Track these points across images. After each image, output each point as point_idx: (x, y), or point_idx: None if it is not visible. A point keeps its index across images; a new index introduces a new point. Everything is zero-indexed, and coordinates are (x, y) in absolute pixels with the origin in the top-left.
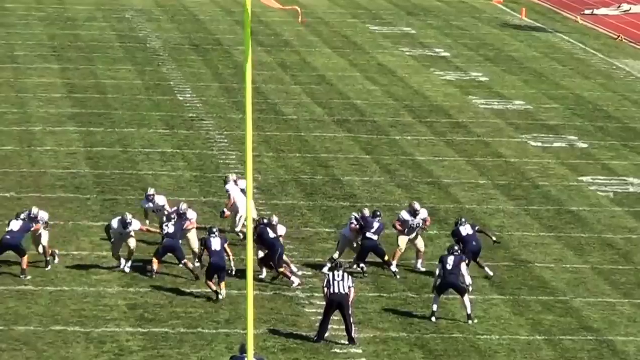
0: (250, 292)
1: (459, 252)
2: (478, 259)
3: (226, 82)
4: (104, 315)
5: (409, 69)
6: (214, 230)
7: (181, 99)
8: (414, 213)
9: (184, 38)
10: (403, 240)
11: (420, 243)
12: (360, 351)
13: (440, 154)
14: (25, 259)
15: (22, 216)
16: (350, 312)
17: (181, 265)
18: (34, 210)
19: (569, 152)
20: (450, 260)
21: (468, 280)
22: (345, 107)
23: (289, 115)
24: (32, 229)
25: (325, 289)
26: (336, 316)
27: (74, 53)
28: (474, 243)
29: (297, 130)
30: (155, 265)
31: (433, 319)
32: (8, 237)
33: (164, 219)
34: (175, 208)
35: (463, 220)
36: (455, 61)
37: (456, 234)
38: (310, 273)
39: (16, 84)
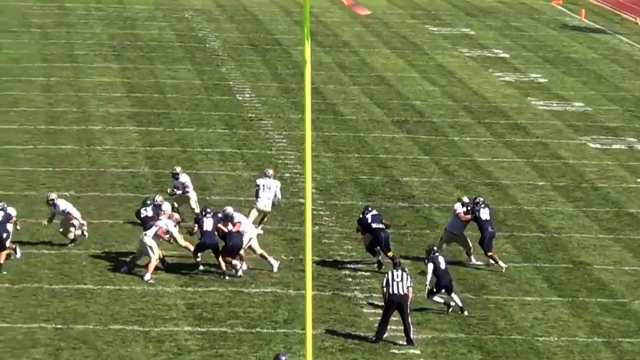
0: (309, 292)
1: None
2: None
3: (285, 82)
4: (162, 314)
5: (467, 69)
6: (208, 210)
7: (240, 98)
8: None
9: (243, 38)
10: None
11: (468, 239)
12: (418, 352)
13: (498, 155)
14: (4, 254)
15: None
16: (408, 313)
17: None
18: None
19: (628, 154)
20: (441, 260)
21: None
22: (404, 107)
23: (347, 115)
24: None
25: (385, 289)
26: (394, 316)
27: (133, 52)
28: (490, 228)
29: (356, 131)
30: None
31: (465, 312)
32: None
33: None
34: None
35: (481, 200)
36: (514, 62)
37: (476, 215)
38: (367, 273)
39: (76, 83)
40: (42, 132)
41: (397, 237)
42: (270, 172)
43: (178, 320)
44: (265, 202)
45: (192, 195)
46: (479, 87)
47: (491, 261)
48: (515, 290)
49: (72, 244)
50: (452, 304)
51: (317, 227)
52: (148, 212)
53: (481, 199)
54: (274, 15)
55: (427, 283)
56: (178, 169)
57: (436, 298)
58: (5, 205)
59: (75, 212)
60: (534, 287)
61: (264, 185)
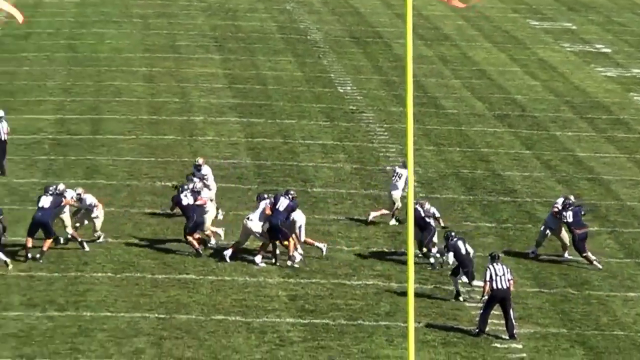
0: (411, 285)
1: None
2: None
3: (386, 75)
4: (264, 305)
5: (569, 64)
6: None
7: (341, 91)
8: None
9: (344, 30)
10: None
11: (565, 235)
12: (520, 346)
13: (600, 150)
14: (49, 242)
15: (51, 190)
16: (511, 307)
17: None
18: (61, 186)
19: None
20: (461, 244)
21: None
22: (506, 101)
23: (449, 109)
24: (62, 204)
25: (488, 283)
26: (496, 310)
27: (234, 44)
28: (578, 231)
29: (457, 124)
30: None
31: (461, 298)
32: (39, 213)
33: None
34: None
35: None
36: (616, 57)
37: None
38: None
39: (178, 74)
40: (144, 123)
41: (499, 231)
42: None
43: (280, 312)
44: (400, 192)
45: (213, 187)
46: (580, 82)
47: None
48: (617, 286)
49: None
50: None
51: None
52: (188, 199)
53: (570, 201)
54: (375, 8)
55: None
56: (200, 160)
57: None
58: (61, 189)
59: (99, 208)
60: (636, 283)
61: (401, 175)
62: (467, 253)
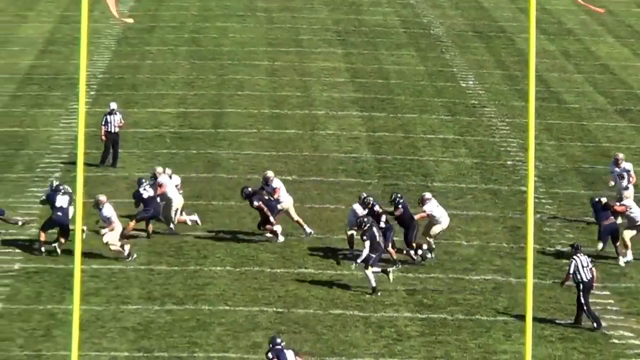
0: (530, 280)
1: None
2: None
3: (509, 70)
4: (383, 299)
5: None
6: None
7: (463, 85)
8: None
9: (467, 24)
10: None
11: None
12: (638, 342)
13: None
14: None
15: (62, 189)
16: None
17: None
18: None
19: None
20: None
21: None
22: (628, 96)
23: (570, 103)
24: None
25: (573, 275)
26: (620, 307)
27: (357, 38)
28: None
29: (579, 119)
30: None
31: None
32: (59, 214)
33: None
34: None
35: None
36: None
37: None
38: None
39: (300, 68)
40: (266, 116)
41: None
42: None
43: (398, 306)
44: None
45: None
46: None
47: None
48: None
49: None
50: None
51: (538, 215)
52: (149, 192)
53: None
54: (499, 3)
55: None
56: (159, 170)
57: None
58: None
59: (116, 223)
60: None
61: None
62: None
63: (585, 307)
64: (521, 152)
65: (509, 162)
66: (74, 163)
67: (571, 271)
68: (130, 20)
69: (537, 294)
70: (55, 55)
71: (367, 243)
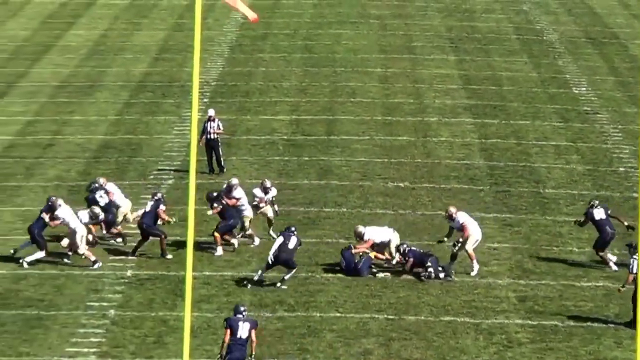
0: None
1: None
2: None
3: (622, 76)
4: (493, 306)
5: None
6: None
7: (576, 92)
8: None
9: (580, 31)
10: None
11: None
12: None
13: None
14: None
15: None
16: None
17: None
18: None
19: None
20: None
21: None
22: None
23: None
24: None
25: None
26: None
27: (470, 44)
28: (609, 228)
29: None
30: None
31: None
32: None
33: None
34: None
35: (596, 202)
36: None
37: (589, 216)
38: None
39: (413, 75)
40: (378, 123)
41: None
42: None
43: (509, 313)
44: None
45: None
46: None
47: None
48: None
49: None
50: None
51: None
52: (104, 198)
53: (596, 201)
54: (612, 9)
55: None
56: (102, 180)
57: None
58: (160, 196)
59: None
60: None
61: None
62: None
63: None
64: (633, 159)
65: (621, 169)
66: (186, 170)
67: (634, 270)
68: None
69: None
70: (168, 63)
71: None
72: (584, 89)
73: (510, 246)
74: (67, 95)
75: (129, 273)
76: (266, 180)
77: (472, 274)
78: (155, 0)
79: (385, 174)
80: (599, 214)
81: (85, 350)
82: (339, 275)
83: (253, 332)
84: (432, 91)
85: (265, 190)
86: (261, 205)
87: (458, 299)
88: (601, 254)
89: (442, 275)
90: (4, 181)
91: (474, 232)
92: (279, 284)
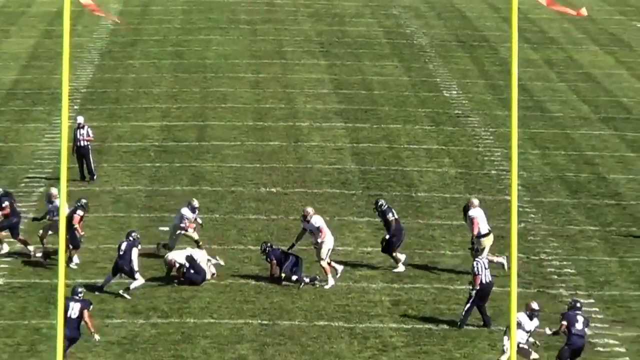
0: (514, 289)
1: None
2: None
3: (492, 79)
4: (367, 310)
5: None
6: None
7: (447, 95)
8: None
9: (450, 34)
10: None
11: None
12: (623, 350)
13: None
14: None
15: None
16: None
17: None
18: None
19: None
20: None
21: None
22: (612, 104)
23: (554, 112)
24: None
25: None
26: (611, 315)
27: (340, 49)
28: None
29: (563, 128)
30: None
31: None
32: None
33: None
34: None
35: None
36: None
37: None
38: (573, 271)
39: (284, 79)
40: (250, 129)
41: (603, 234)
42: None
43: (383, 317)
44: None
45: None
46: None
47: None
48: None
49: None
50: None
51: (522, 225)
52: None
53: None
54: (482, 12)
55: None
56: (54, 191)
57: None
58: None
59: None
60: None
61: None
62: None
63: None
64: (505, 162)
65: (493, 172)
66: (57, 178)
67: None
68: (118, 20)
69: (521, 303)
70: (38, 70)
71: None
72: (455, 92)
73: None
74: None
75: (0, 281)
76: (194, 199)
77: (327, 287)
78: (24, 7)
79: (257, 180)
80: (390, 214)
81: None
82: (213, 281)
83: (85, 312)
84: (303, 96)
85: (194, 210)
86: (189, 229)
87: (332, 303)
88: (394, 254)
89: (307, 279)
90: None
91: (329, 239)
92: (121, 291)
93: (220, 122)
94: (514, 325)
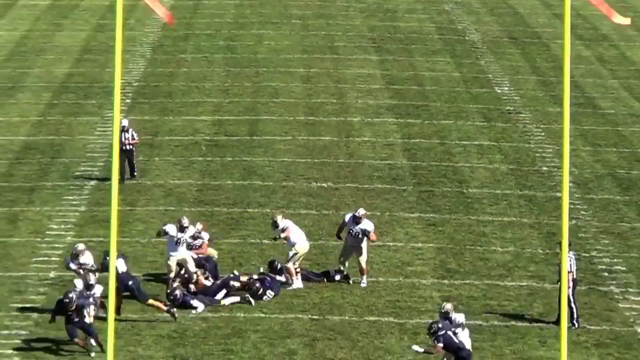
0: (564, 286)
1: None
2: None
3: (544, 76)
4: (418, 306)
5: None
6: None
7: (499, 91)
8: None
9: (502, 31)
10: None
11: None
12: None
13: None
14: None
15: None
16: None
17: None
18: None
19: None
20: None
21: None
22: None
23: (606, 109)
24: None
25: None
26: None
27: (392, 44)
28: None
29: (614, 125)
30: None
31: None
32: None
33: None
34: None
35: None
36: None
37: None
38: (624, 268)
39: (335, 75)
40: (301, 123)
41: None
42: None
43: (433, 313)
44: None
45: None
46: None
47: None
48: None
49: None
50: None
51: (574, 221)
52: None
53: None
54: (534, 9)
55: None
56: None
57: None
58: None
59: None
60: None
61: None
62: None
63: None
64: (556, 158)
65: (544, 168)
66: (109, 171)
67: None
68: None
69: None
70: (90, 64)
71: None
72: (507, 88)
73: (434, 246)
74: None
75: (52, 274)
76: (183, 217)
77: (292, 287)
78: (77, 0)
79: (309, 174)
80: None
81: (9, 351)
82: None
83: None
84: (354, 91)
85: (182, 229)
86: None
87: (382, 298)
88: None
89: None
90: None
91: (301, 245)
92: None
93: (271, 116)
94: (564, 324)
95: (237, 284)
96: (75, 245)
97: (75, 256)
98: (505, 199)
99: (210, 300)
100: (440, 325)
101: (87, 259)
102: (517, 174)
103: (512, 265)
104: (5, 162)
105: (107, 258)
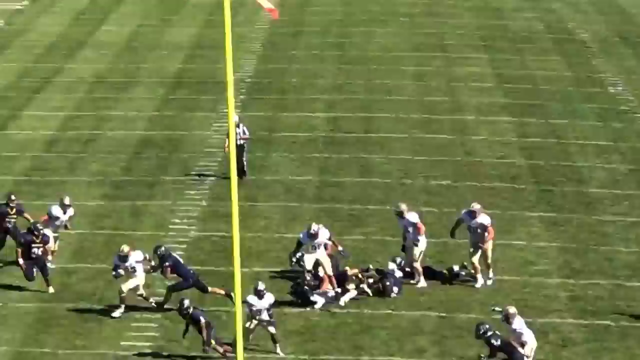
0: None
1: None
2: None
3: None
4: (545, 305)
5: None
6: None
7: (612, 91)
8: None
9: (611, 30)
10: None
11: None
12: None
13: None
14: None
15: None
16: None
17: None
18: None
19: None
20: None
21: None
22: None
23: None
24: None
25: None
26: None
27: (502, 43)
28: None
29: None
30: None
31: None
32: None
33: None
34: None
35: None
36: None
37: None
38: None
39: (446, 73)
40: (416, 121)
41: None
42: None
43: (561, 312)
44: None
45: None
46: None
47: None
48: None
49: None
50: None
51: None
52: None
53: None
54: None
55: None
56: (126, 249)
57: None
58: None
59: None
60: None
61: None
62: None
63: None
64: None
65: None
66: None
67: None
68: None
69: None
70: (202, 60)
71: None
72: (620, 88)
73: (557, 245)
74: (104, 91)
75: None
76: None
77: (418, 285)
78: None
79: (427, 172)
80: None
81: (140, 344)
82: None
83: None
84: (467, 89)
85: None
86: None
87: (508, 297)
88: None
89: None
90: (48, 176)
91: (424, 242)
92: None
93: (386, 114)
94: None
95: (352, 284)
96: (121, 248)
97: (123, 258)
98: (626, 199)
99: (330, 298)
100: (488, 326)
101: (137, 256)
102: (636, 175)
103: (638, 265)
104: (124, 156)
105: (159, 252)
